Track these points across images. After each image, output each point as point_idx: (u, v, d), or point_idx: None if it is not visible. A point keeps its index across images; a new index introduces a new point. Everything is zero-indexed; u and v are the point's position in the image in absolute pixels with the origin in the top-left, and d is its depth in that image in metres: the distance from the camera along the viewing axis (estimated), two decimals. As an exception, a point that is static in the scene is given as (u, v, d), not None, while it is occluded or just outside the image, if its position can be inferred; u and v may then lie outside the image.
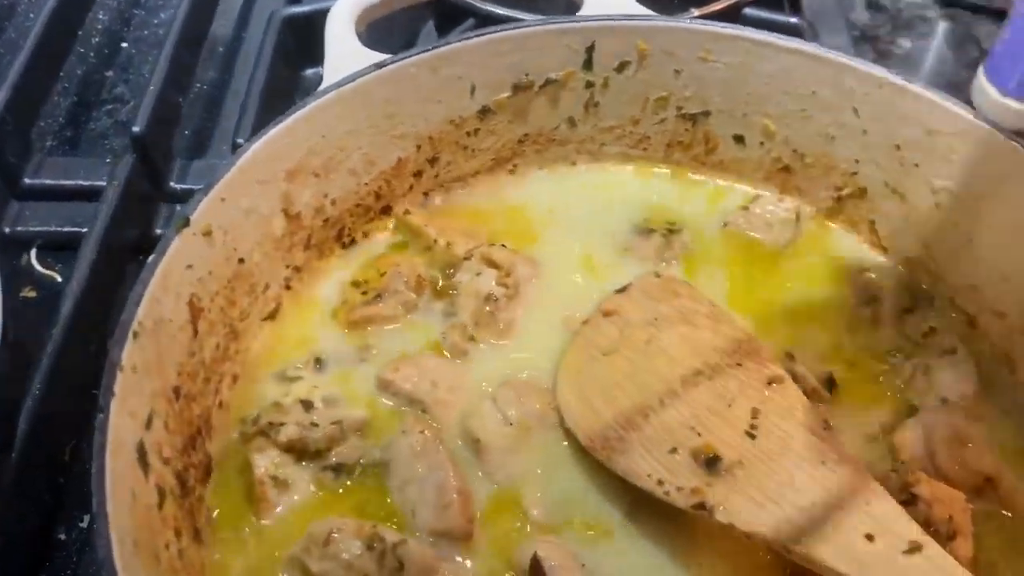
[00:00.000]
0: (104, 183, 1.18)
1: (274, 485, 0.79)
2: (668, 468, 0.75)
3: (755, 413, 0.77)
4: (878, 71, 0.89)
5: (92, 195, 1.24)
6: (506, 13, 1.11)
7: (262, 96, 1.25)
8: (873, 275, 0.96)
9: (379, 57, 0.91)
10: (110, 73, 1.49)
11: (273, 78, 1.30)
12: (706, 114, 1.01)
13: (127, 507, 0.63)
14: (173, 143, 1.29)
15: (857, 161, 0.95)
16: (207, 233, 0.78)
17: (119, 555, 0.57)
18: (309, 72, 1.45)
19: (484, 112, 0.98)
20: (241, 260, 0.84)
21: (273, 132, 0.82)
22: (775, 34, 0.93)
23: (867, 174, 0.95)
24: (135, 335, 0.68)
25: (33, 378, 0.92)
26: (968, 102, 1.21)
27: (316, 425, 0.81)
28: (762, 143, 1.00)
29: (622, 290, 0.93)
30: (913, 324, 0.92)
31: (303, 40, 1.39)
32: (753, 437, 0.75)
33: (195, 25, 1.38)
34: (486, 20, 1.23)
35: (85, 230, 1.19)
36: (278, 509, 0.79)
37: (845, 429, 0.84)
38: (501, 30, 0.93)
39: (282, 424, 0.81)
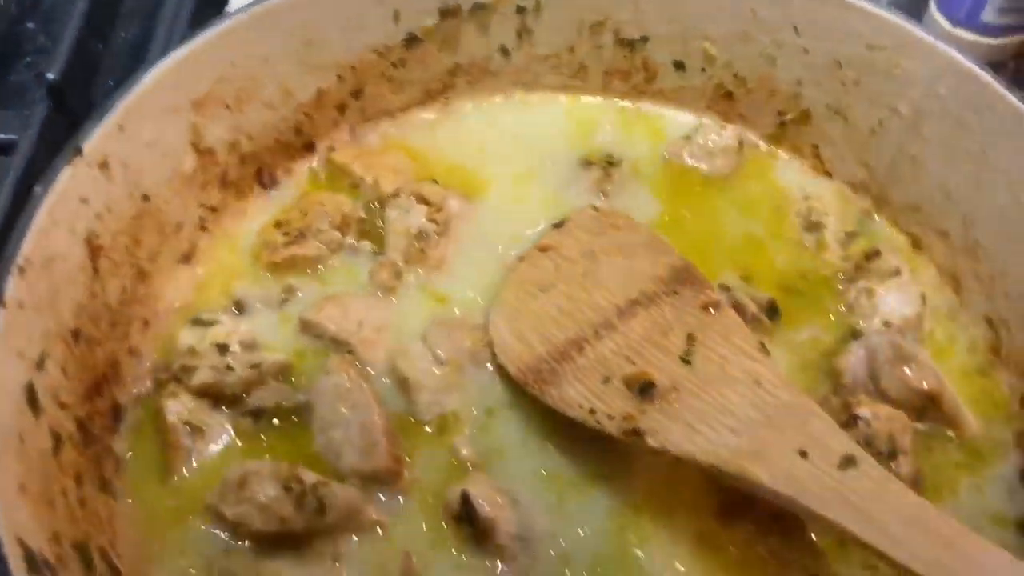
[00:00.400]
0: (9, 136, 1.12)
1: (189, 432, 0.75)
2: (600, 397, 0.72)
3: (691, 339, 0.74)
4: (816, -16, 0.85)
5: (8, 149, 1.18)
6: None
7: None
8: (816, 202, 0.93)
9: (292, -22, 0.85)
10: (31, 24, 1.41)
11: (196, 21, 1.24)
12: (644, 40, 0.96)
13: (13, 451, 0.58)
14: (93, 93, 1.22)
15: (799, 83, 0.92)
16: (103, 165, 0.72)
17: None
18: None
19: (410, 40, 0.93)
20: (146, 197, 0.78)
21: (176, 56, 0.77)
22: (711, -51, 0.89)
23: (809, 96, 0.92)
24: (21, 270, 0.63)
25: None
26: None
27: (231, 369, 0.77)
28: (703, 69, 0.96)
29: (559, 225, 0.89)
30: (856, 248, 0.89)
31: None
32: (688, 363, 0.72)
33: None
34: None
35: (-3, 186, 1.13)
36: (194, 458, 0.75)
37: (787, 354, 0.82)
38: (421, -51, 0.88)
39: (195, 368, 0.76)
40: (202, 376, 0.75)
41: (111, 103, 0.73)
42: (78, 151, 0.70)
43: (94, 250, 0.72)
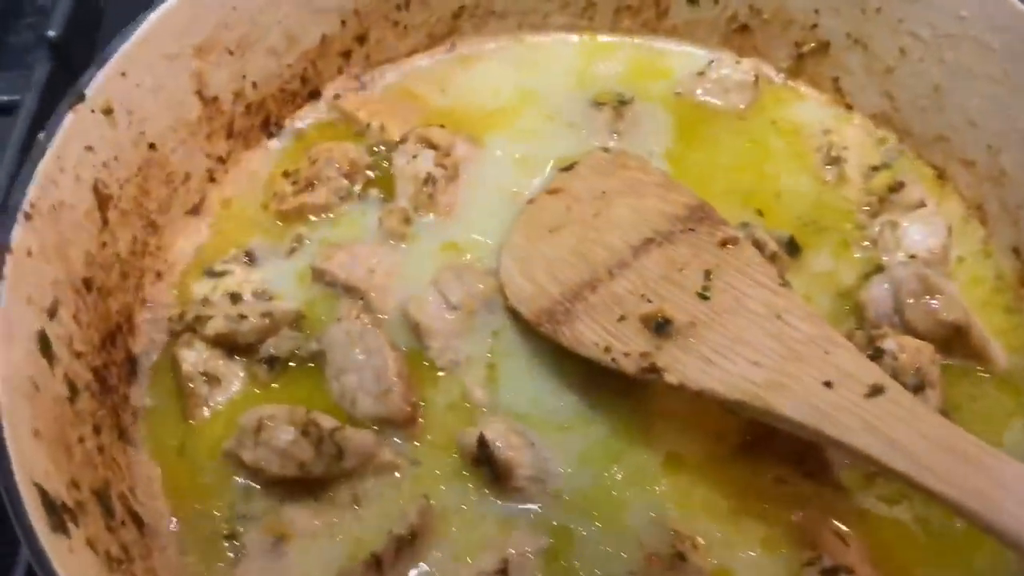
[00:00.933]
0: (12, 96, 1.11)
1: (204, 381, 0.75)
2: (616, 336, 0.71)
3: (708, 275, 0.72)
4: (833, -94, 0.82)
5: (10, 109, 1.17)
6: None
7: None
8: (837, 136, 0.90)
9: (292, -80, 0.83)
10: (31, -16, 1.39)
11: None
12: (654, -27, 0.94)
13: (26, 396, 0.57)
14: (96, 50, 1.21)
15: (817, 11, 0.89)
16: (107, 111, 0.71)
17: (12, 438, 0.53)
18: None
19: (414, -20, 0.91)
20: (152, 146, 0.77)
21: (174, 1, 0.75)
22: None
23: (828, 26, 0.89)
24: (27, 216, 0.63)
25: None
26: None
27: (245, 317, 0.76)
28: (716, 1, 0.94)
29: (568, 168, 0.87)
30: (880, 182, 0.87)
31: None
32: (706, 298, 0.71)
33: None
34: None
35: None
36: (210, 405, 0.74)
37: (809, 290, 0.80)
38: None
39: (209, 318, 0.76)
40: (216, 325, 0.75)
41: (112, 49, 0.71)
42: (81, 97, 0.69)
43: (102, 199, 0.72)
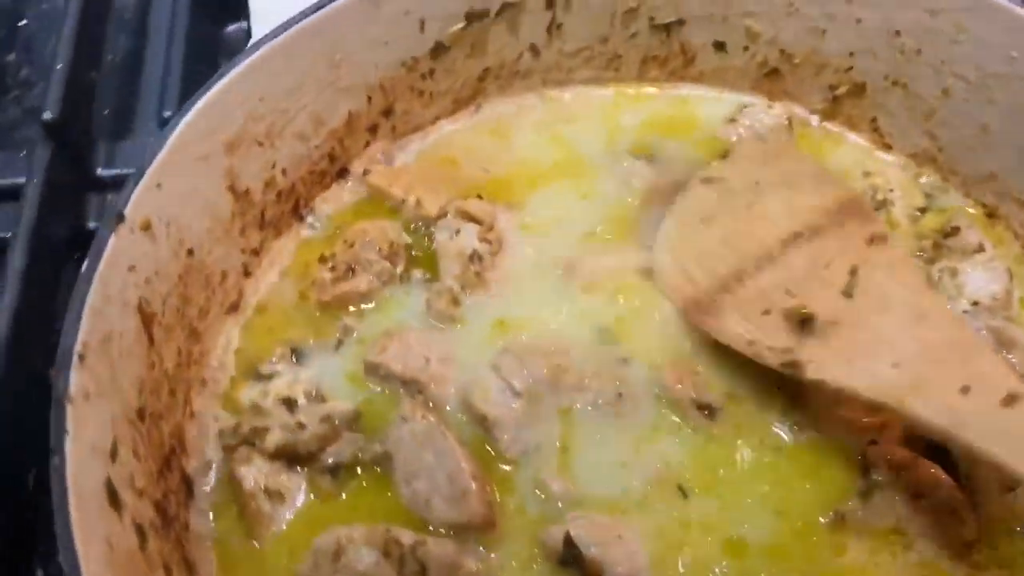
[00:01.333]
0: (23, 180, 1.07)
1: (267, 498, 0.71)
2: (760, 329, 0.73)
3: (853, 272, 0.73)
4: (871, -50, 0.80)
5: (9, 195, 1.13)
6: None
7: (185, 61, 1.13)
8: (879, 177, 0.88)
9: (310, -1, 0.80)
10: (12, 56, 1.34)
11: (193, 40, 1.18)
12: (681, 23, 0.91)
13: (104, 561, 0.54)
14: (92, 125, 1.17)
15: (852, 55, 0.87)
16: (146, 227, 0.67)
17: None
18: (231, 28, 1.32)
19: (438, 49, 0.88)
20: (190, 252, 0.74)
21: (204, 101, 0.71)
22: (751, -78, 0.84)
23: (864, 67, 0.87)
24: (81, 358, 0.59)
25: None
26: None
27: (303, 426, 0.72)
28: (746, 47, 0.92)
29: (723, 156, 0.88)
30: (929, 224, 0.85)
31: (218, -4, 1.26)
32: (850, 296, 0.72)
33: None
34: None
35: (9, 234, 1.08)
36: (276, 523, 0.71)
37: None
38: (447, -49, 0.82)
39: (267, 430, 0.72)
40: (275, 438, 0.71)
41: (146, 162, 0.68)
42: (120, 217, 0.65)
43: (147, 318, 0.68)
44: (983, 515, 0.68)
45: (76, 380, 0.58)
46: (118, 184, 1.11)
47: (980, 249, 0.80)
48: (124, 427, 0.63)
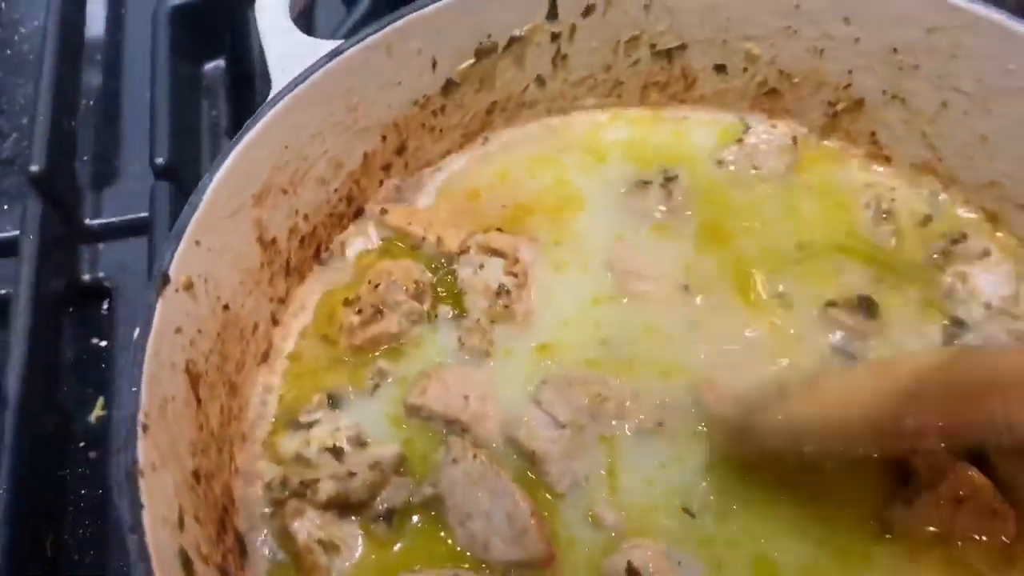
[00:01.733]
0: (5, 234, 1.05)
1: (324, 551, 0.70)
2: None
3: None
4: (868, -27, 0.83)
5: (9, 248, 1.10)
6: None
7: (171, 103, 1.11)
8: (881, 188, 0.91)
9: (326, 45, 0.79)
10: (-21, 111, 1.31)
11: (175, 80, 1.16)
12: (682, 48, 0.93)
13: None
14: (77, 174, 1.15)
15: (850, 72, 0.90)
16: (188, 287, 0.67)
17: None
18: (209, 67, 1.31)
19: (448, 86, 0.88)
20: (226, 307, 0.73)
21: (235, 155, 0.70)
22: (751, -51, 0.86)
23: (862, 84, 0.90)
24: (145, 428, 0.58)
25: None
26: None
27: (354, 474, 0.72)
28: (745, 69, 0.94)
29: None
30: (936, 231, 0.88)
31: (197, 32, 1.24)
32: None
33: (69, 35, 1.21)
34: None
35: (8, 291, 1.06)
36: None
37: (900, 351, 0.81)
38: (456, -8, 0.83)
39: (316, 481, 0.71)
40: (327, 488, 0.71)
41: (182, 222, 0.67)
42: (166, 279, 0.64)
43: (194, 379, 0.67)
44: (1022, 514, 0.71)
45: (144, 452, 0.57)
46: (108, 234, 1.11)
47: (986, 253, 0.84)
48: (185, 493, 0.62)
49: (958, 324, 0.82)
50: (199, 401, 0.67)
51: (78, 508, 0.92)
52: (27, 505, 0.83)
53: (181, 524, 0.59)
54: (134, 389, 0.58)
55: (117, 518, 0.89)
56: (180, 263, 0.65)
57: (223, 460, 0.71)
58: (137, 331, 0.61)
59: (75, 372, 1.01)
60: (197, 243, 0.67)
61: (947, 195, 0.91)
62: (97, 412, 0.98)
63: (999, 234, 0.89)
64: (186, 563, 0.57)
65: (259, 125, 0.72)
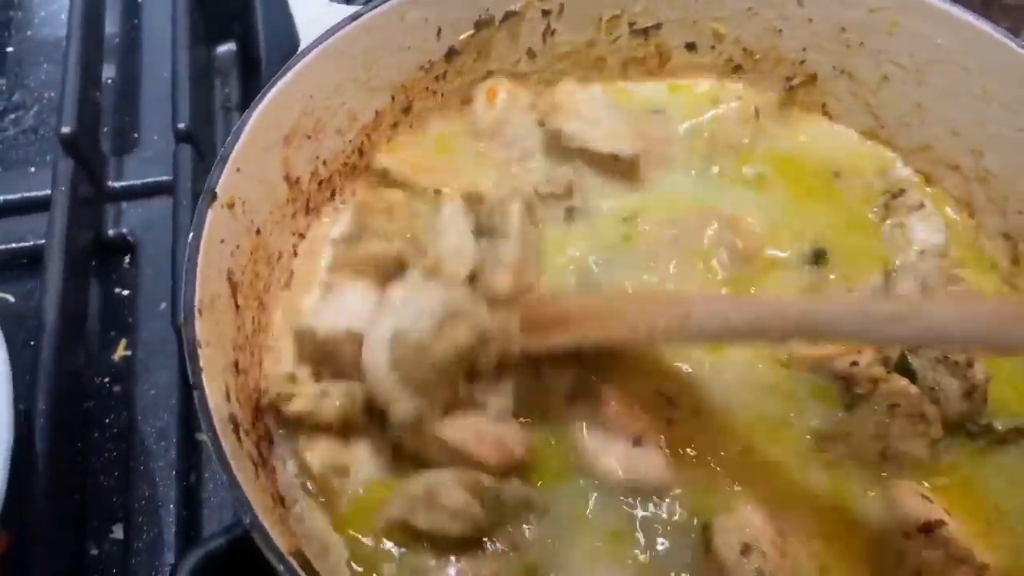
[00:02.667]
0: (37, 193, 1.14)
1: (335, 474, 0.77)
2: None
3: None
4: (819, -41, 0.96)
5: (24, 208, 1.19)
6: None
7: (191, 79, 1.21)
8: (839, 152, 1.03)
9: (346, 10, 0.90)
10: (2, 81, 1.40)
11: (192, 59, 1.26)
12: (658, 27, 1.05)
13: (249, 485, 0.62)
14: (100, 141, 1.25)
15: (804, 49, 1.02)
16: (231, 205, 0.77)
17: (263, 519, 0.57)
18: (221, 50, 1.42)
19: (450, 54, 0.99)
20: (258, 231, 0.83)
21: (272, 95, 0.81)
22: (718, -61, 0.99)
23: (815, 60, 1.03)
24: (199, 312, 0.67)
25: (34, 394, 0.90)
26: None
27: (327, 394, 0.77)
28: (713, 47, 1.06)
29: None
30: (878, 188, 1.00)
31: (211, 16, 1.36)
32: None
33: (92, 14, 1.32)
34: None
35: (27, 244, 1.15)
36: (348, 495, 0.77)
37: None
38: (461, -33, 0.94)
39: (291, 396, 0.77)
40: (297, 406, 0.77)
41: (227, 149, 0.77)
42: (214, 195, 0.74)
43: (233, 286, 0.76)
44: (945, 416, 0.82)
45: (200, 330, 0.66)
46: (129, 195, 1.20)
47: (921, 206, 0.96)
48: (230, 375, 0.71)
49: (896, 268, 0.94)
50: (237, 307, 0.77)
51: (103, 435, 1.01)
52: (59, 430, 0.92)
53: (228, 397, 0.68)
54: (191, 279, 0.68)
55: (142, 443, 0.99)
56: (224, 183, 0.75)
57: (255, 362, 0.80)
58: (191, 235, 0.71)
59: (100, 317, 1.11)
60: (238, 169, 0.77)
61: (891, 157, 1.03)
62: (120, 352, 1.08)
63: (934, 192, 1.01)
64: (235, 427, 0.67)
65: (291, 73, 0.83)
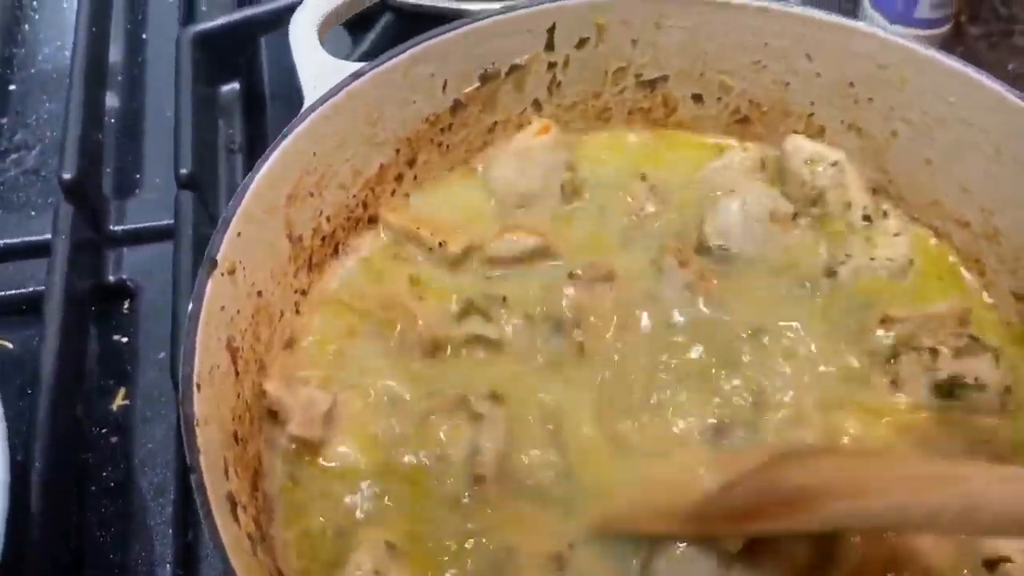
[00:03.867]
0: (38, 238, 1.14)
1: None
2: None
3: None
4: (827, 16, 0.95)
5: (24, 253, 1.19)
6: (455, 7, 1.12)
7: (194, 121, 1.21)
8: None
9: (351, 67, 0.90)
10: (4, 120, 1.40)
11: (195, 101, 1.26)
12: (664, 78, 1.05)
13: (243, 567, 0.61)
14: (102, 184, 1.24)
15: (812, 103, 1.02)
16: (232, 271, 0.76)
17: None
18: (225, 89, 1.41)
19: (456, 106, 0.99)
20: (260, 293, 0.82)
21: (274, 157, 0.80)
22: (724, -6, 0.98)
23: (823, 114, 1.02)
24: (198, 387, 0.66)
25: (31, 448, 0.89)
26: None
27: None
28: (719, 98, 1.05)
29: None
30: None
31: (215, 57, 1.35)
32: None
33: (96, 52, 1.31)
34: (403, 16, 1.24)
35: (27, 290, 1.14)
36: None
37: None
38: (468, 23, 0.93)
39: None
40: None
41: (228, 213, 0.76)
42: (214, 263, 0.73)
43: (233, 353, 0.75)
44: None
45: (198, 406, 0.65)
46: (130, 239, 1.19)
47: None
48: (229, 450, 0.70)
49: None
50: (237, 373, 0.76)
51: (100, 488, 1.00)
52: (55, 484, 0.91)
53: (226, 473, 0.67)
54: (190, 353, 0.67)
55: (140, 496, 0.98)
56: (225, 250, 0.74)
57: (255, 429, 0.79)
58: (191, 306, 0.70)
59: (99, 365, 1.09)
60: (239, 234, 0.76)
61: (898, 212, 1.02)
62: (119, 401, 1.07)
63: (943, 244, 0.99)
64: (233, 506, 0.65)
65: (294, 133, 0.82)
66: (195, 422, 0.64)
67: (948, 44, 1.51)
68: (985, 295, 0.96)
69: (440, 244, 0.97)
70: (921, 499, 0.54)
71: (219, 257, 0.73)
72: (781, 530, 0.61)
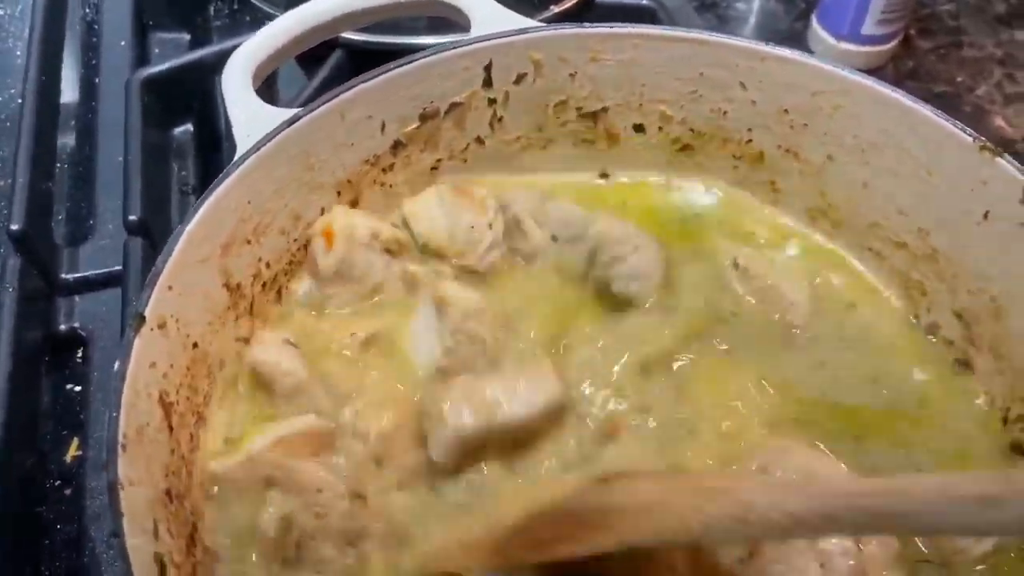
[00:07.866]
0: None
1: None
2: None
3: None
4: (759, 46, 0.96)
5: None
6: (406, 42, 1.13)
7: (143, 166, 1.21)
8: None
9: (284, 113, 0.90)
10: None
11: (146, 144, 1.26)
12: (605, 110, 1.05)
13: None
14: (53, 232, 1.24)
15: (750, 130, 1.02)
16: (162, 325, 0.75)
17: None
18: (178, 131, 1.41)
19: (396, 146, 0.99)
20: (195, 344, 0.81)
21: (204, 208, 0.80)
22: (658, 26, 0.99)
23: (760, 140, 1.03)
24: (123, 448, 0.66)
25: None
26: (809, 51, 1.33)
27: None
28: (660, 128, 1.06)
29: None
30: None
31: (166, 99, 1.35)
32: None
33: (46, 102, 1.31)
34: (354, 53, 1.24)
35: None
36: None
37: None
38: (400, 65, 0.94)
39: None
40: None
41: (158, 268, 0.76)
42: (142, 319, 0.73)
43: (167, 408, 0.75)
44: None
45: (122, 468, 0.65)
46: (82, 287, 1.19)
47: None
48: (159, 508, 0.70)
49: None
50: (171, 428, 0.76)
51: (54, 542, 0.99)
52: (9, 538, 0.90)
53: (156, 534, 0.67)
54: (114, 414, 0.66)
55: (93, 552, 0.97)
56: (154, 305, 0.74)
57: (193, 482, 0.79)
58: (116, 364, 0.70)
59: (52, 415, 1.09)
60: (170, 288, 0.76)
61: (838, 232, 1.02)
62: (72, 452, 1.06)
63: (883, 266, 0.99)
64: (161, 568, 0.65)
65: (224, 184, 0.82)
66: (119, 485, 0.63)
67: (898, 58, 1.53)
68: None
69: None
70: (701, 511, 0.58)
71: (147, 312, 0.73)
72: (582, 552, 0.62)
